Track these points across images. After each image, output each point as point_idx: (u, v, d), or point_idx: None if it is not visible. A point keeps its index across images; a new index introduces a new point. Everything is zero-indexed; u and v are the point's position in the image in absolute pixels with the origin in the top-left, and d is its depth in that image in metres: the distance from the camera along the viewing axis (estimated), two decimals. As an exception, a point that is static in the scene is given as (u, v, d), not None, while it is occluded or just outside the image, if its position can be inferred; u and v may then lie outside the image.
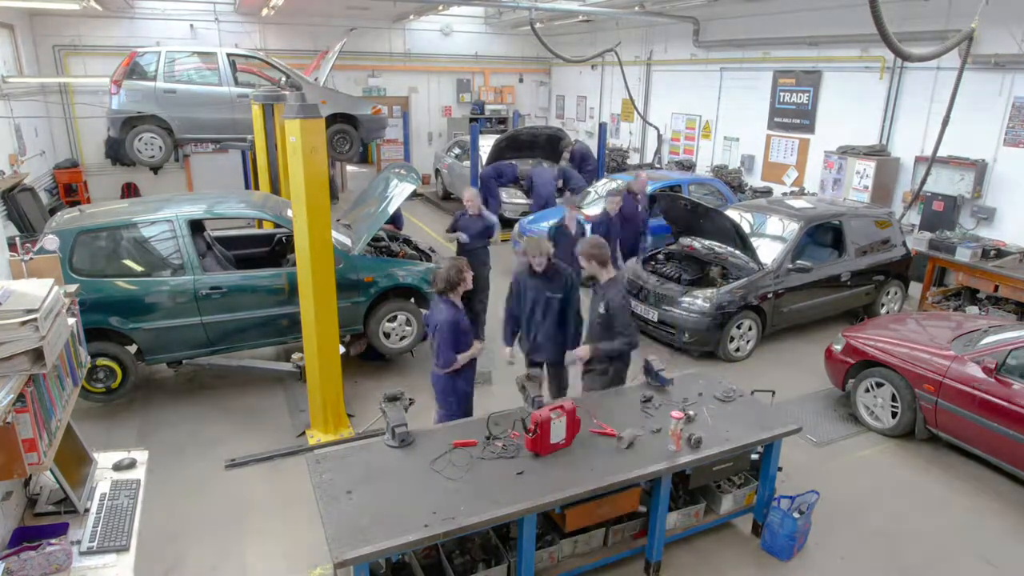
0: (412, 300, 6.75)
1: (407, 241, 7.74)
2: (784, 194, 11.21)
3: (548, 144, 13.23)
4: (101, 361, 5.67)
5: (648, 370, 4.75)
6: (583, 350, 4.89)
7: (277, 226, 6.84)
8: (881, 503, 5.00)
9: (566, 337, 5.13)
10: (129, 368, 5.83)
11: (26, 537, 2.64)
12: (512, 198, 12.42)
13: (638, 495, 4.03)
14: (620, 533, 4.13)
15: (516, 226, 10.60)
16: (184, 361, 6.14)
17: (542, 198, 11.76)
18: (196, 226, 6.27)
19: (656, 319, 7.51)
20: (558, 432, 3.87)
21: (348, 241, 6.49)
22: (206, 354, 6.12)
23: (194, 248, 5.89)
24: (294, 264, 5.55)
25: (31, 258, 3.36)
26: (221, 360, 6.23)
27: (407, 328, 6.66)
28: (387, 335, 6.62)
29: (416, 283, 6.61)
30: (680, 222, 8.23)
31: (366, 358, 7.09)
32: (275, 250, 7.47)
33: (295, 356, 6.16)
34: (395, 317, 6.59)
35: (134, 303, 5.69)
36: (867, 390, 5.99)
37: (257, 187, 9.87)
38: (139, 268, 5.79)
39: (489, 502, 3.44)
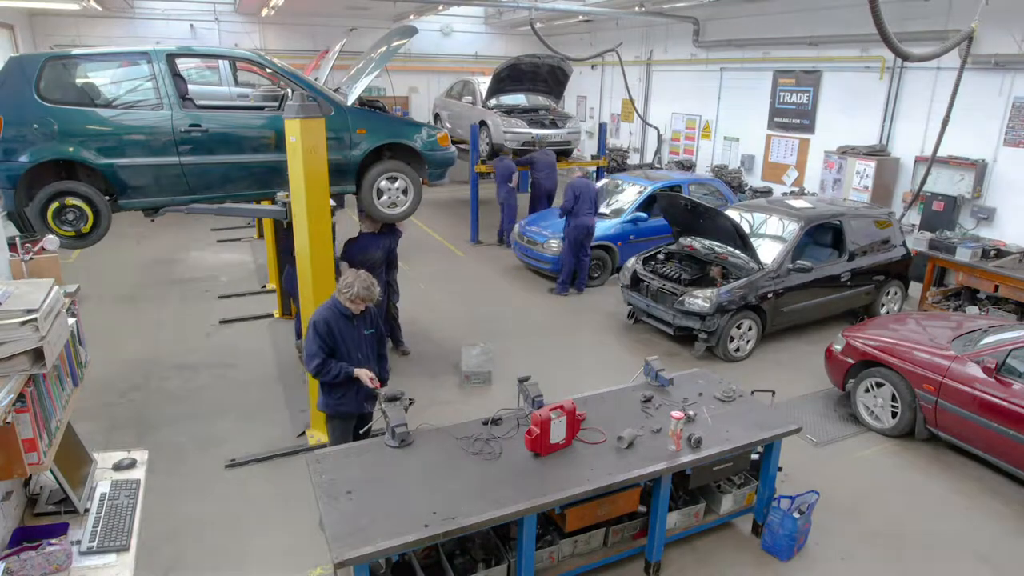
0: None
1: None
2: (784, 194, 11.22)
3: (551, 76, 12.10)
4: (70, 201, 5.31)
5: (648, 370, 4.75)
6: None
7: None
8: (881, 503, 5.00)
9: None
10: (101, 211, 5.44)
11: (26, 537, 2.64)
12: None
13: (638, 495, 4.04)
14: (620, 533, 4.13)
15: (516, 227, 10.56)
16: (162, 209, 5.80)
17: (543, 189, 11.32)
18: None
19: (657, 317, 7.63)
20: (558, 432, 3.88)
21: (340, 97, 6.12)
22: (186, 202, 5.78)
23: (174, 85, 5.62)
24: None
25: (31, 258, 3.36)
26: (202, 205, 5.90)
27: (403, 197, 6.28)
28: (381, 196, 6.26)
29: (412, 141, 6.25)
30: (680, 222, 8.22)
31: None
32: None
33: (281, 195, 5.96)
34: (393, 179, 6.22)
35: (106, 135, 5.38)
36: (867, 390, 5.99)
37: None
38: (112, 99, 5.49)
39: (489, 502, 3.44)
